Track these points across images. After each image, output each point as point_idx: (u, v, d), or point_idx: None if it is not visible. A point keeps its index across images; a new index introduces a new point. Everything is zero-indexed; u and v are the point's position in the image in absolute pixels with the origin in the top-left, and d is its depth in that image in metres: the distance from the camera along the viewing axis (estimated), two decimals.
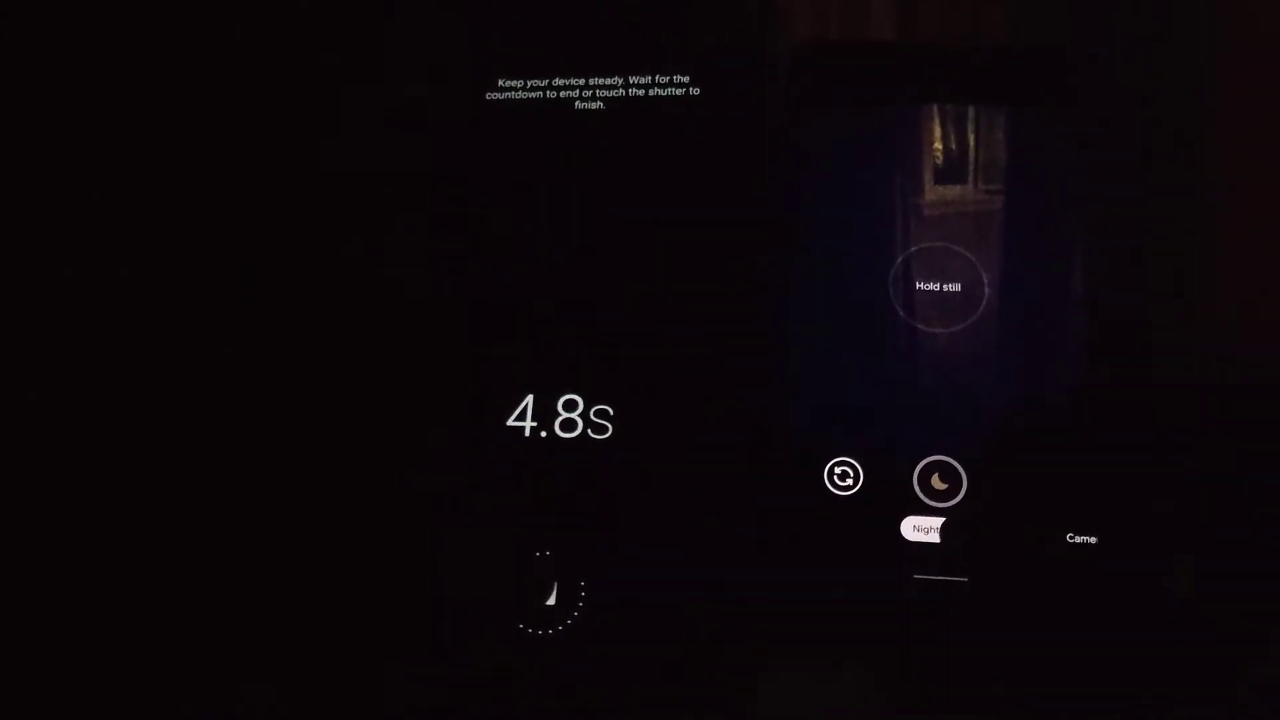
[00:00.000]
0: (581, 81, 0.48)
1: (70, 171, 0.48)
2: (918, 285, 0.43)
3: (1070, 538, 0.40)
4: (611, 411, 0.44)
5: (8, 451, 0.46)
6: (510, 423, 0.44)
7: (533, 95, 0.48)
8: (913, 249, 0.44)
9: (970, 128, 0.45)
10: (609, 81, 0.47)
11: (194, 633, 0.43)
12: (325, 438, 0.45)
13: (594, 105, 0.47)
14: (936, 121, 0.45)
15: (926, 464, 0.42)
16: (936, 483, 0.42)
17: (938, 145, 0.45)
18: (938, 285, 0.43)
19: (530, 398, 0.44)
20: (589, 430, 0.44)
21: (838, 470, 0.42)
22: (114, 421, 0.46)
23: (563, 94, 0.48)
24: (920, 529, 0.41)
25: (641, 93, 0.47)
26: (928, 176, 0.44)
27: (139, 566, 0.44)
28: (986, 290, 0.43)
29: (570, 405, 0.44)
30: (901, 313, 0.43)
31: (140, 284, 0.47)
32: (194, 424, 0.46)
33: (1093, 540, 0.40)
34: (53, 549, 0.45)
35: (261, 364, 0.46)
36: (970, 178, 0.44)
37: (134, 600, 0.44)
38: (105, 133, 0.49)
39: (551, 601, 0.42)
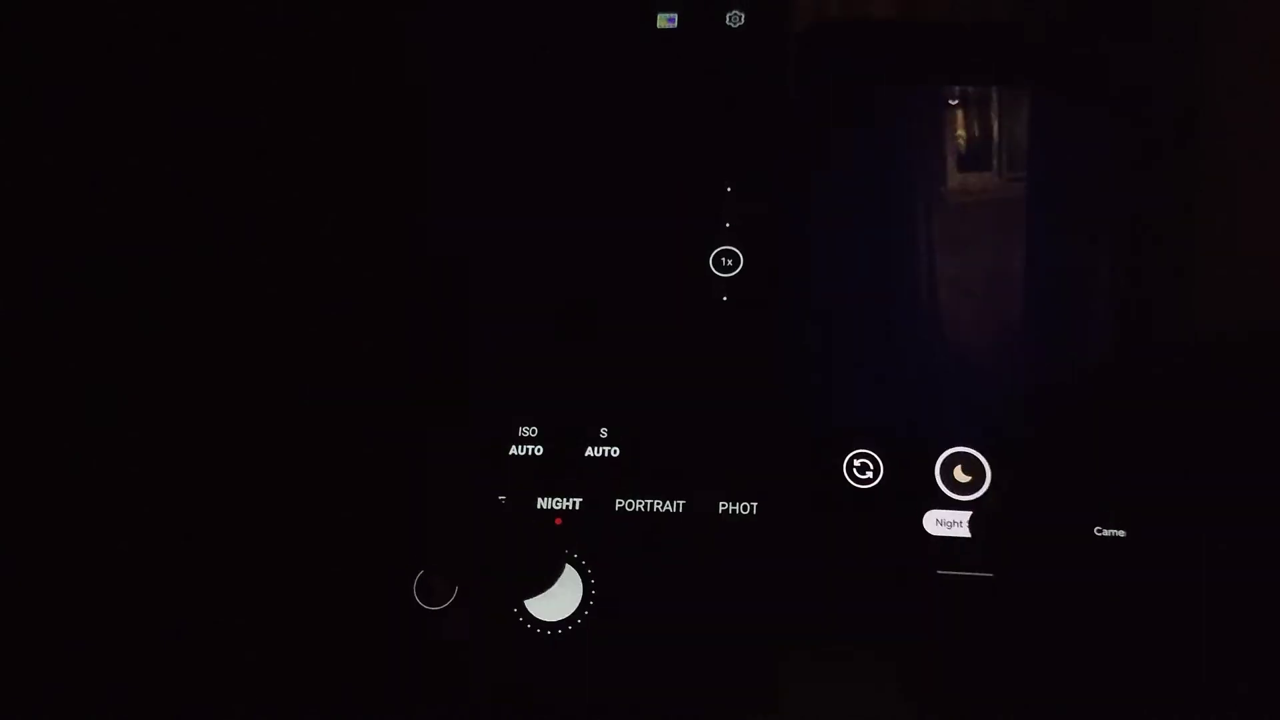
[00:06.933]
0: None
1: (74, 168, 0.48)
2: (939, 273, 0.42)
3: (1098, 531, 0.39)
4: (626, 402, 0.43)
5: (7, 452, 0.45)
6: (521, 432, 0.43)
7: None
8: (935, 237, 0.43)
9: (995, 113, 0.44)
10: None
11: (198, 632, 0.43)
12: (328, 449, 0.44)
13: None
14: (960, 106, 0.44)
15: (949, 455, 0.41)
16: (960, 475, 0.40)
17: (961, 131, 0.44)
18: (960, 273, 0.42)
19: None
20: (606, 422, 0.43)
21: (857, 462, 0.41)
22: (118, 423, 0.45)
23: None
24: (943, 523, 0.40)
25: None
26: (950, 163, 0.43)
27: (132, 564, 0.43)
28: (1010, 278, 0.42)
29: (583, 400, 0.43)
30: (922, 301, 0.42)
31: (147, 283, 0.46)
32: (206, 433, 0.45)
33: (1121, 534, 0.39)
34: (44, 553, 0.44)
35: (267, 389, 0.45)
36: (994, 165, 0.43)
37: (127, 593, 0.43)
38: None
39: (572, 610, 0.41)
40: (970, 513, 0.40)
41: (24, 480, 0.44)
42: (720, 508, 0.41)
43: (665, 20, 0.47)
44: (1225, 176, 0.43)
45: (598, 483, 0.42)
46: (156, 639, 0.42)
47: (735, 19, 0.46)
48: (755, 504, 0.41)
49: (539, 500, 0.42)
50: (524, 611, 0.41)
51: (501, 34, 0.47)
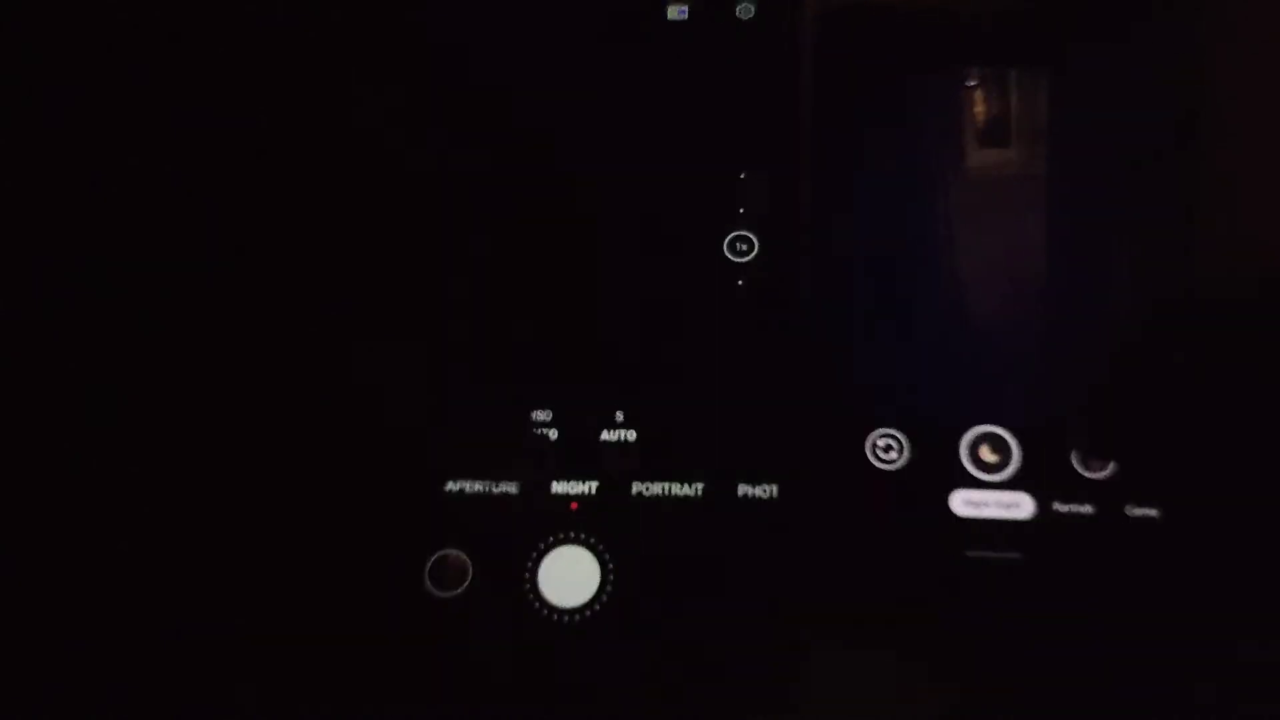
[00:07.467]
0: None
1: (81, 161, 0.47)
2: (960, 253, 0.42)
3: (1130, 510, 0.38)
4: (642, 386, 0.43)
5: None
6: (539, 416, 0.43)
7: None
8: (955, 217, 0.42)
9: (1008, 98, 0.43)
10: None
11: (198, 632, 0.42)
12: (331, 445, 0.43)
13: None
14: (972, 90, 0.44)
15: (975, 435, 0.40)
16: (986, 454, 0.40)
17: (974, 114, 0.43)
18: (982, 253, 0.42)
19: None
20: (622, 405, 0.43)
21: (881, 442, 0.40)
22: (118, 423, 0.44)
23: None
24: (971, 503, 0.39)
25: None
26: (963, 147, 0.43)
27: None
28: (1033, 258, 0.41)
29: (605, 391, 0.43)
30: (945, 280, 0.42)
31: (147, 283, 0.46)
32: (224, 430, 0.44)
33: (1154, 513, 0.38)
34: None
35: (267, 386, 0.45)
36: (1008, 148, 0.43)
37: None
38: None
39: (590, 596, 0.40)
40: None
41: (24, 480, 0.43)
42: (740, 491, 0.41)
43: (676, 12, 0.47)
44: (1236, 162, 0.42)
45: (614, 467, 0.41)
46: (156, 639, 0.41)
47: (745, 10, 0.46)
48: (775, 487, 0.40)
49: (555, 484, 0.42)
50: (540, 597, 0.40)
51: (513, 25, 0.47)
